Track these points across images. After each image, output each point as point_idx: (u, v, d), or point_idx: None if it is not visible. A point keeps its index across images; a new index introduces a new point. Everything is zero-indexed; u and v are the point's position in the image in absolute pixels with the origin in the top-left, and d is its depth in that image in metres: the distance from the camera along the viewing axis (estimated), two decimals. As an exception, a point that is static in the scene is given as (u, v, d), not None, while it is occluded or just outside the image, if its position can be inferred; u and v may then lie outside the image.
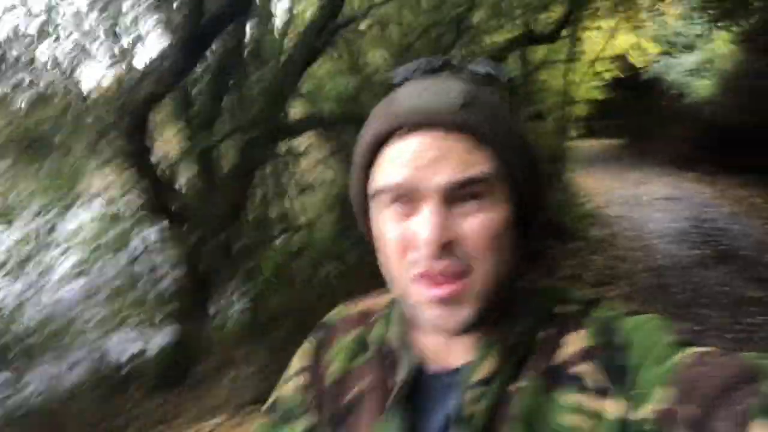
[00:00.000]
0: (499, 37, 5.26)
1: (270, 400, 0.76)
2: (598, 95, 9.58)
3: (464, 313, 0.58)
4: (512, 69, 6.04)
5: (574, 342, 0.59)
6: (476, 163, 0.56)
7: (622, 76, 10.18)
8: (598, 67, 9.35)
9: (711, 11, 8.14)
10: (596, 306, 0.62)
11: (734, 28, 8.50)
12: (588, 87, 9.29)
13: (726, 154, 9.16)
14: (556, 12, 5.50)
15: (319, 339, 0.77)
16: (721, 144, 9.29)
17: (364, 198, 0.64)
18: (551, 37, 5.29)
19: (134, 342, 4.58)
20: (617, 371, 0.55)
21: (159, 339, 4.58)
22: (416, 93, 0.59)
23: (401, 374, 0.65)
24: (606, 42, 8.88)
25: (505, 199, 0.59)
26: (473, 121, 0.57)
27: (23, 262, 4.53)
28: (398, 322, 0.69)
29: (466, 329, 0.59)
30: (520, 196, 0.60)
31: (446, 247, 0.56)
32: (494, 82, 0.63)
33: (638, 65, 10.85)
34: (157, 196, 3.81)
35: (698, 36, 10.53)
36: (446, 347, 0.64)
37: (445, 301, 0.57)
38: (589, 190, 9.89)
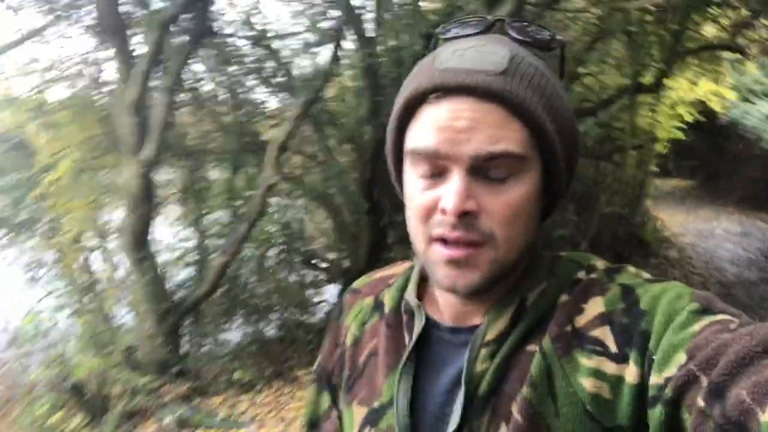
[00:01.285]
0: (611, 84, 6.45)
1: (315, 367, 0.80)
2: (679, 136, 10.40)
3: (475, 276, 0.58)
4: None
5: (596, 306, 0.59)
6: (508, 137, 0.55)
7: (702, 119, 10.93)
8: (680, 110, 10.24)
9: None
10: (620, 272, 0.62)
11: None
12: (669, 127, 10.18)
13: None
14: (656, 67, 6.67)
15: (339, 307, 0.80)
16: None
17: (399, 155, 0.63)
18: (655, 87, 6.44)
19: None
20: (638, 336, 0.54)
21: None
22: (458, 54, 0.57)
23: (415, 331, 0.66)
24: (689, 88, 9.81)
25: (537, 169, 0.58)
26: (511, 90, 0.54)
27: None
28: (416, 281, 0.70)
29: (477, 292, 0.59)
30: (553, 165, 0.59)
31: (467, 217, 0.56)
32: (543, 46, 0.61)
33: (717, 110, 11.59)
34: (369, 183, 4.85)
35: (778, 84, 11.25)
36: (464, 307, 0.65)
37: (458, 264, 0.58)
38: (664, 222, 10.72)
